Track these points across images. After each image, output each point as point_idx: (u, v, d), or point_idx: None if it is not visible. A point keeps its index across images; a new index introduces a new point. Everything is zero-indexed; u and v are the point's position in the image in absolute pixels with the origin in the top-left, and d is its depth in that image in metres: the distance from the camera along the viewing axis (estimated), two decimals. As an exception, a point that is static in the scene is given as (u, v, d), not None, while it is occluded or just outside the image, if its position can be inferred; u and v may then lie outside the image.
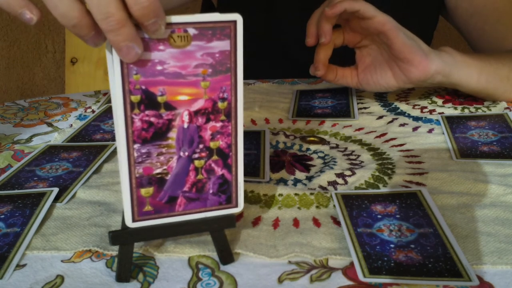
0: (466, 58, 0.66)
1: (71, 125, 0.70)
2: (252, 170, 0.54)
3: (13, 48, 1.65)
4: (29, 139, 0.66)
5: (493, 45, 0.79)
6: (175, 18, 0.34)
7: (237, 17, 0.35)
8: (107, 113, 0.73)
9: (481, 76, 0.66)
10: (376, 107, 0.71)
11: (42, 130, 0.69)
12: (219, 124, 0.37)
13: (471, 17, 0.79)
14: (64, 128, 0.69)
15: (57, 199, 0.50)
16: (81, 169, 0.56)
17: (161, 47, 0.35)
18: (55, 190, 0.50)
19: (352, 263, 0.39)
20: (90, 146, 0.62)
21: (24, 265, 0.41)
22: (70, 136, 0.66)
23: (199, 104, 0.36)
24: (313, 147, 0.60)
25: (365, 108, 0.72)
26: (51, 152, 0.60)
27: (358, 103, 0.73)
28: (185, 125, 0.37)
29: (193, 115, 0.37)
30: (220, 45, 0.36)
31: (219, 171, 0.38)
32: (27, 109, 0.77)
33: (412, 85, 0.67)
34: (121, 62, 0.34)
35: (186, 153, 0.37)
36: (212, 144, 0.38)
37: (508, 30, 0.79)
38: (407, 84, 0.66)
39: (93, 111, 0.75)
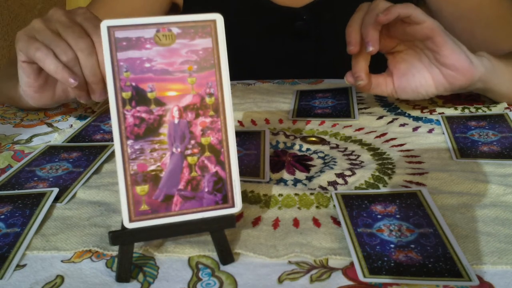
0: (500, 63, 0.65)
1: (71, 125, 0.70)
2: (252, 170, 0.54)
3: (13, 48, 1.65)
4: (29, 140, 0.66)
5: (484, 49, 0.78)
6: (160, 19, 0.37)
7: (217, 17, 0.38)
8: (107, 113, 0.73)
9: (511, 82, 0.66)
10: (376, 107, 0.71)
11: (42, 130, 0.69)
12: (208, 120, 0.38)
13: (458, 21, 0.78)
14: (64, 129, 0.69)
15: (57, 199, 0.50)
16: (81, 169, 0.56)
17: (148, 46, 0.37)
18: (55, 190, 0.50)
19: (352, 263, 0.39)
20: (90, 146, 0.62)
21: (24, 265, 0.41)
22: (70, 136, 0.66)
23: (187, 100, 0.38)
24: (313, 147, 0.60)
25: (365, 108, 0.72)
26: (51, 153, 0.60)
27: (358, 103, 0.73)
28: (176, 121, 0.38)
29: (183, 110, 0.38)
30: (203, 42, 0.38)
31: (212, 168, 0.39)
32: (27, 109, 0.77)
33: (451, 92, 0.64)
34: (112, 60, 0.36)
35: (179, 149, 0.38)
36: (203, 140, 0.38)
37: (498, 35, 0.78)
38: (447, 92, 0.64)
39: (93, 112, 0.75)
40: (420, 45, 0.63)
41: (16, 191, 0.51)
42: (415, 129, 0.63)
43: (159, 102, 0.37)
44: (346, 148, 0.59)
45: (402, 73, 0.66)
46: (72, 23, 0.62)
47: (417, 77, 0.64)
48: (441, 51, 0.61)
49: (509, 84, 0.66)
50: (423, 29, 0.60)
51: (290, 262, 0.40)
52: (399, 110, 0.70)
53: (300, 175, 0.54)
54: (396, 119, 0.66)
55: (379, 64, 0.67)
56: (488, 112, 0.67)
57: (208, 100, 0.38)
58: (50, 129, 0.70)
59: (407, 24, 0.61)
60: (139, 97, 0.37)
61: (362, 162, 0.56)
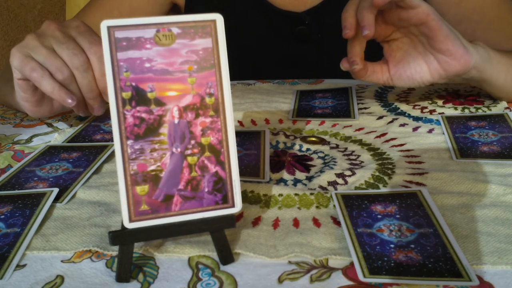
0: (496, 54, 0.65)
1: (71, 125, 0.71)
2: (252, 170, 0.54)
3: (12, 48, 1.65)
4: (29, 140, 0.66)
5: None
6: (160, 19, 0.37)
7: (217, 17, 0.38)
8: (107, 114, 0.73)
9: (508, 74, 0.66)
10: (376, 107, 0.71)
11: (42, 130, 0.69)
12: (208, 120, 0.38)
13: (459, 24, 0.77)
14: (64, 129, 0.69)
15: (57, 199, 0.50)
16: (81, 170, 0.56)
17: (148, 46, 0.37)
18: (55, 190, 0.51)
19: (352, 263, 0.39)
20: (90, 146, 0.62)
21: (24, 265, 0.41)
22: (70, 136, 0.66)
23: (187, 100, 0.38)
24: (313, 147, 0.60)
25: (365, 108, 0.72)
26: (51, 153, 0.60)
27: (358, 103, 0.73)
28: (176, 121, 0.38)
29: (183, 110, 0.38)
30: (203, 42, 0.38)
31: (212, 168, 0.39)
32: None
33: (446, 80, 0.65)
34: (112, 60, 0.36)
35: (179, 149, 0.38)
36: (203, 140, 0.38)
37: (499, 36, 0.78)
38: (442, 79, 0.64)
39: (91, 114, 0.75)
40: (415, 31, 0.63)
41: (16, 191, 0.51)
42: (415, 129, 0.63)
43: (159, 102, 0.37)
44: (346, 148, 0.59)
45: (397, 61, 0.66)
46: (66, 39, 0.62)
47: (412, 65, 0.65)
48: (435, 36, 0.61)
49: (505, 75, 0.66)
50: (418, 14, 0.60)
51: (290, 262, 0.40)
52: (399, 110, 0.70)
53: (300, 175, 0.54)
54: (396, 119, 0.66)
55: (375, 55, 0.68)
56: (488, 112, 0.67)
57: (208, 100, 0.38)
58: (50, 129, 0.70)
59: (402, 9, 0.61)
60: (139, 97, 0.37)
61: (362, 162, 0.56)
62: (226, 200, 0.39)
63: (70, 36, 0.62)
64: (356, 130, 0.64)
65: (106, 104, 0.66)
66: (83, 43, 0.62)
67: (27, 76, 0.61)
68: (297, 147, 0.60)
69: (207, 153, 0.38)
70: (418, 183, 0.50)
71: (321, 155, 0.58)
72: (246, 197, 0.49)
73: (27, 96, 0.63)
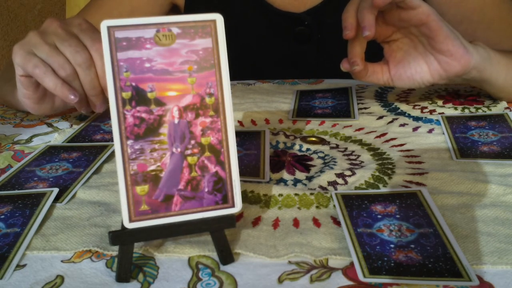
0: (496, 54, 0.65)
1: (71, 125, 0.71)
2: (252, 170, 0.54)
3: (12, 48, 1.65)
4: (29, 140, 0.66)
5: None
6: (160, 19, 0.37)
7: (217, 17, 0.38)
8: (108, 114, 0.73)
9: (508, 74, 0.66)
10: (376, 107, 0.71)
11: (42, 130, 0.69)
12: (208, 120, 0.38)
13: (459, 24, 0.77)
14: (64, 129, 0.69)
15: (57, 199, 0.50)
16: (81, 170, 0.56)
17: (148, 46, 0.37)
18: (55, 190, 0.51)
19: (352, 263, 0.39)
20: (90, 146, 0.62)
21: (24, 265, 0.41)
22: (70, 136, 0.66)
23: (187, 100, 0.38)
24: (313, 147, 0.60)
25: (365, 108, 0.72)
26: (51, 153, 0.60)
27: (358, 103, 0.73)
28: (176, 121, 0.38)
29: (183, 110, 0.38)
30: (203, 42, 0.38)
31: (212, 168, 0.39)
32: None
33: (447, 81, 0.65)
34: (112, 60, 0.36)
35: (179, 149, 0.38)
36: (203, 140, 0.38)
37: (500, 36, 0.78)
38: (443, 80, 0.64)
39: (93, 112, 0.75)
40: (415, 32, 0.63)
41: (16, 191, 0.51)
42: (415, 129, 0.63)
43: (159, 102, 0.37)
44: (346, 148, 0.59)
45: (397, 61, 0.66)
46: (68, 36, 0.62)
47: (412, 65, 0.65)
48: (436, 37, 0.61)
49: (505, 75, 0.66)
50: (418, 15, 0.60)
51: (290, 262, 0.40)
52: (399, 110, 0.70)
53: (300, 175, 0.54)
54: (396, 119, 0.66)
55: (375, 56, 0.68)
56: (488, 112, 0.67)
57: (208, 100, 0.38)
58: (50, 129, 0.70)
59: (402, 9, 0.61)
60: (139, 97, 0.37)
61: (362, 162, 0.56)
62: (226, 200, 0.39)
63: (72, 33, 0.62)
64: (356, 130, 0.64)
65: (108, 101, 0.66)
66: (85, 41, 0.62)
67: (30, 73, 0.61)
68: (297, 147, 0.60)
69: (207, 153, 0.38)
70: (418, 183, 0.50)
71: (321, 155, 0.58)
72: (246, 197, 0.49)
73: (29, 93, 0.64)
